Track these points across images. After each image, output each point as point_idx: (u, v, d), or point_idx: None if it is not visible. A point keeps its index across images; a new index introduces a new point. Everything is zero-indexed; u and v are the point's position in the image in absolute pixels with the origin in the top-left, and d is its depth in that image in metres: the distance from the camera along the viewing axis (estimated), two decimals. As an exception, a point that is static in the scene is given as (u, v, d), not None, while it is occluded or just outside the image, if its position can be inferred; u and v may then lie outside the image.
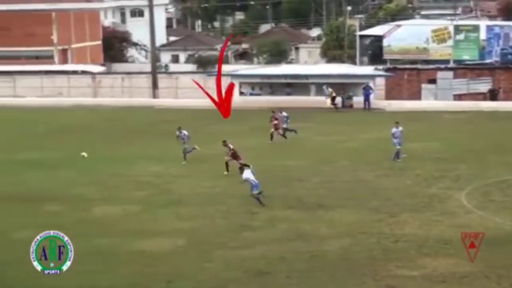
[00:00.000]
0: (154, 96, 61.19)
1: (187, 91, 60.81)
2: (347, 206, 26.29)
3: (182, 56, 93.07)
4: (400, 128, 33.81)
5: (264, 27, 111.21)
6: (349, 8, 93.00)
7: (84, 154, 28.54)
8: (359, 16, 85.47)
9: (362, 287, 18.64)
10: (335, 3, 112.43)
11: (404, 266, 19.86)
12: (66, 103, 59.24)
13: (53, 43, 74.97)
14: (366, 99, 52.94)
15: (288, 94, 55.85)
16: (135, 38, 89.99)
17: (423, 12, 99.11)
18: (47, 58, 74.05)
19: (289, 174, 31.71)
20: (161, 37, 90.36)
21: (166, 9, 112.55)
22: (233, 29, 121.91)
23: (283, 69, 63.69)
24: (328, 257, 20.76)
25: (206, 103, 57.15)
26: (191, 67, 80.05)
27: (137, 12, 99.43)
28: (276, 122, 39.75)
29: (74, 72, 66.61)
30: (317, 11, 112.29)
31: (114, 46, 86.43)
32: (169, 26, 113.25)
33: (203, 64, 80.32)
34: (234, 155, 31.03)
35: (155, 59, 66.33)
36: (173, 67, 79.92)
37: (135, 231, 23.54)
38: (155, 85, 61.40)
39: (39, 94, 62.97)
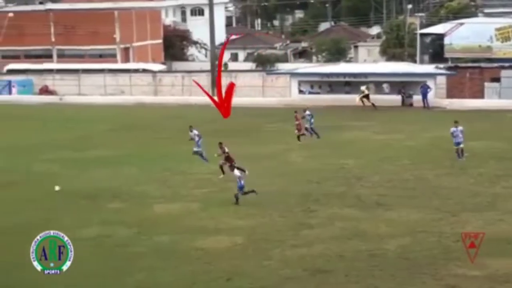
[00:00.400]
0: (213, 94, 61.48)
1: (246, 89, 61.13)
2: (407, 205, 26.06)
3: (241, 55, 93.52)
4: (460, 128, 33.16)
5: (324, 26, 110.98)
6: (410, 6, 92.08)
7: (57, 187, 28.51)
8: (420, 14, 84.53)
9: (422, 287, 18.47)
10: (396, 1, 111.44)
11: (465, 266, 19.57)
12: (128, 101, 60.16)
13: (116, 42, 76.11)
14: (424, 97, 52.49)
15: (347, 92, 55.55)
16: (195, 36, 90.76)
17: (486, 10, 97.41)
18: (110, 56, 75.27)
19: (348, 173, 31.59)
20: (220, 36, 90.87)
21: (226, 7, 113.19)
22: (292, 27, 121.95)
23: (342, 67, 63.42)
24: (387, 256, 20.62)
25: (265, 101, 57.66)
26: (250, 65, 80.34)
27: (197, 11, 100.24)
28: (297, 122, 39.00)
29: (136, 71, 67.48)
30: (377, 10, 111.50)
31: (175, 45, 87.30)
32: (228, 24, 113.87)
33: (262, 63, 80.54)
34: (227, 158, 29.82)
35: (214, 58, 66.68)
36: (232, 66, 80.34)
37: (195, 228, 23.69)
38: (214, 83, 61.75)
39: (102, 93, 64.05)
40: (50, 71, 67.87)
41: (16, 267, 20.05)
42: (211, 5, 64.97)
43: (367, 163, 33.47)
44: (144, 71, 67.99)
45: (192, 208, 26.31)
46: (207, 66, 68.75)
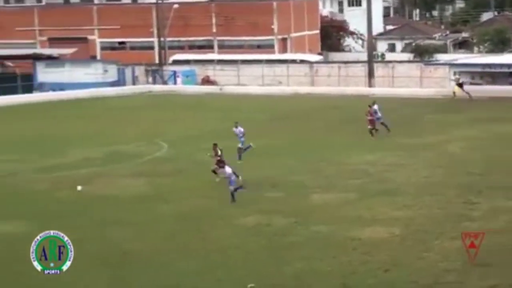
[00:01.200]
0: (370, 85, 61.14)
1: (403, 79, 60.35)
2: None
3: (399, 45, 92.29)
4: None
5: (486, 16, 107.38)
6: None
7: (79, 187, 28.44)
8: None
9: None
10: None
11: None
12: (285, 92, 60.86)
13: (274, 33, 76.96)
14: None
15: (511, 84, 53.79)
16: (352, 27, 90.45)
17: None
18: (268, 47, 76.22)
19: (513, 165, 30.52)
20: (377, 26, 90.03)
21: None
22: (452, 17, 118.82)
23: (505, 58, 61.22)
24: (556, 251, 19.77)
25: (423, 92, 56.65)
26: (408, 56, 79.15)
27: (354, 1, 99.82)
28: (371, 117, 37.85)
29: (293, 61, 68.06)
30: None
31: (332, 35, 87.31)
32: (386, 15, 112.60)
33: (420, 53, 79.15)
34: (219, 162, 27.71)
35: (371, 48, 66.21)
36: (389, 56, 79.46)
37: (351, 219, 23.63)
38: (371, 74, 61.35)
39: (259, 83, 65.10)
40: (211, 61, 69.72)
41: (181, 253, 20.81)
42: (369, -5, 64.42)
43: (533, 155, 32.18)
44: (301, 61, 68.44)
45: (348, 198, 26.25)
46: (363, 56, 68.30)
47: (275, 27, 76.72)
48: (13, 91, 61.33)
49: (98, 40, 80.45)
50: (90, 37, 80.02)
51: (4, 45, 75.74)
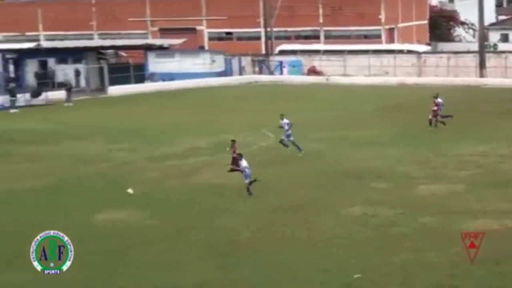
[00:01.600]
0: (481, 75, 59.80)
1: (516, 70, 58.84)
2: None
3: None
4: None
5: None
6: None
7: (130, 190, 27.40)
8: None
9: None
10: None
11: None
12: (391, 82, 60.25)
13: (381, 23, 76.16)
14: None
15: None
16: (462, 17, 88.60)
17: None
18: (375, 37, 75.53)
19: None
20: (490, 16, 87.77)
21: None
22: None
23: None
24: None
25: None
26: (523, 46, 76.96)
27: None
28: (435, 108, 37.06)
29: (400, 52, 67.26)
30: None
31: (441, 26, 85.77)
32: (499, 5, 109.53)
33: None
34: (234, 159, 27.11)
35: (483, 38, 64.67)
36: (502, 46, 77.37)
37: (460, 210, 23.20)
38: (482, 65, 59.99)
39: (366, 73, 64.66)
40: (317, 52, 69.67)
41: (287, 243, 20.94)
42: (480, -15, 62.93)
43: None
44: (409, 52, 67.55)
45: (457, 190, 25.81)
46: (474, 47, 66.81)
47: (382, 17, 75.89)
48: (126, 81, 62.93)
49: (206, 31, 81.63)
50: (198, 27, 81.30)
51: (117, 35, 77.95)
